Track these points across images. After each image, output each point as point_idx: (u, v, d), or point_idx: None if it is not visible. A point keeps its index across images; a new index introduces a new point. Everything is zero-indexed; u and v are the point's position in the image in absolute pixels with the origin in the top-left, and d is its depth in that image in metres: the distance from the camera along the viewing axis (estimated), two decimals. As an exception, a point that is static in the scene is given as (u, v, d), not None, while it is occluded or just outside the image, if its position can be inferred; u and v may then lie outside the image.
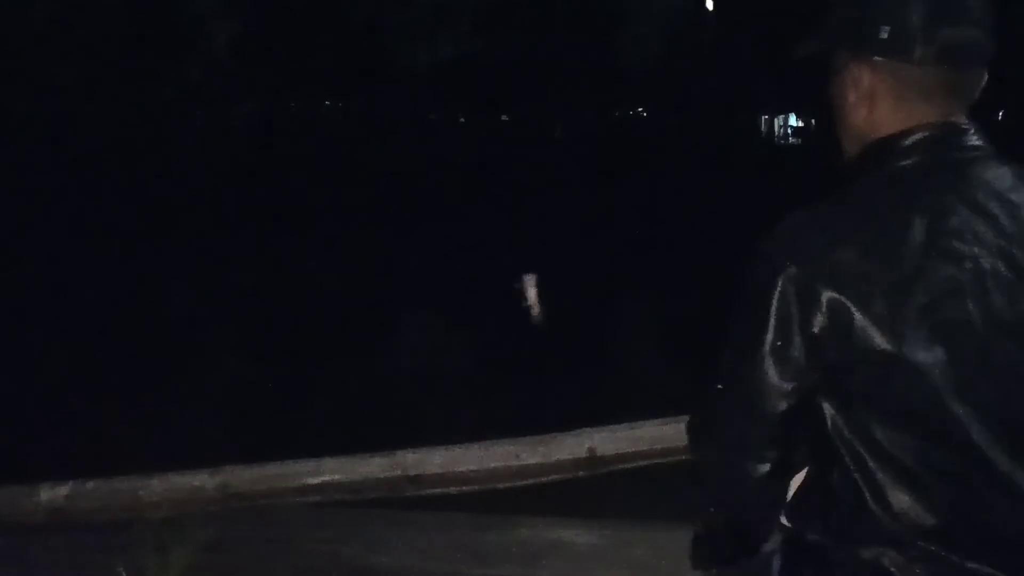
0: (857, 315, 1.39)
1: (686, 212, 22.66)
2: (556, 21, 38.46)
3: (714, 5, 39.24)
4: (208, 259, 17.75)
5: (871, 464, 1.41)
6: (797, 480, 1.53)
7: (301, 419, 7.85)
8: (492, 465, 3.21)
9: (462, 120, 46.10)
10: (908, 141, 1.51)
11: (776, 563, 1.55)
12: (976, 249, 1.43)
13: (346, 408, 8.23)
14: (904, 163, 1.50)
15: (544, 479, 3.21)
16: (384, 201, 26.12)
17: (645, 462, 3.17)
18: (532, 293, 2.54)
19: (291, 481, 3.31)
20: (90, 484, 3.41)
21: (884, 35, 1.50)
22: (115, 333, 11.82)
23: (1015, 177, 1.51)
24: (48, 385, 9.38)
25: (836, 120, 1.62)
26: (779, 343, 1.42)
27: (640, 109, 47.78)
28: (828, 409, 1.43)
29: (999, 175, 1.50)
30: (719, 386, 1.49)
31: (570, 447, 3.18)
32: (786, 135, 53.60)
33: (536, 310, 2.52)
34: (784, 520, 1.55)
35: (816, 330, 1.40)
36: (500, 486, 3.25)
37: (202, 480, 3.35)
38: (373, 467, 3.28)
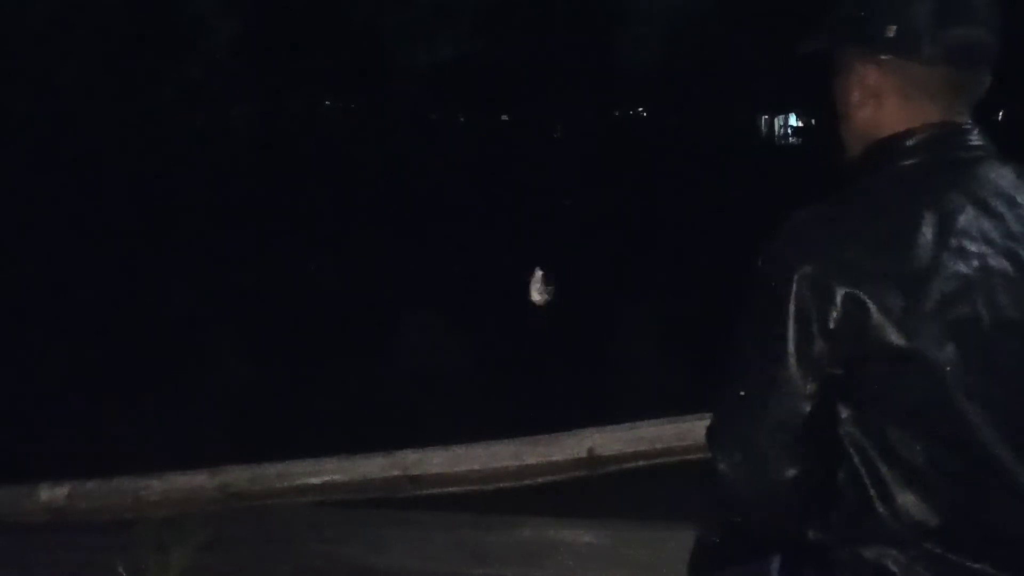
0: (873, 310, 1.38)
1: (686, 212, 22.67)
2: (556, 21, 38.46)
3: (715, 5, 39.25)
4: (208, 259, 17.76)
5: (879, 463, 1.41)
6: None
7: (301, 419, 7.84)
8: (492, 465, 3.20)
9: (462, 120, 46.12)
10: (913, 140, 1.51)
11: (776, 562, 1.55)
12: (983, 248, 1.43)
13: (346, 408, 8.23)
14: (909, 162, 1.50)
15: (544, 479, 3.21)
16: (384, 201, 26.13)
17: (645, 462, 3.16)
18: (546, 287, 2.51)
19: (291, 481, 3.30)
20: (90, 484, 3.41)
21: (891, 33, 1.49)
22: (115, 333, 11.83)
23: (1018, 177, 1.52)
24: (48, 385, 9.39)
25: (840, 119, 1.61)
26: (800, 344, 1.42)
27: (640, 109, 47.81)
28: (839, 408, 1.43)
29: (1002, 175, 1.51)
30: (740, 391, 1.48)
31: (570, 447, 3.17)
32: (786, 135, 53.62)
33: (546, 300, 2.49)
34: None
35: (833, 327, 1.40)
36: (500, 486, 3.25)
37: (202, 480, 3.34)
38: (373, 467, 3.27)
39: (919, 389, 1.39)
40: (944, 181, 1.48)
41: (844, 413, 1.43)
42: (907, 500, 1.40)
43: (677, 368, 9.99)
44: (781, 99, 42.88)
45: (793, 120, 52.08)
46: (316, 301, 14.56)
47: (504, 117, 45.82)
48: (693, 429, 2.99)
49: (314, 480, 3.28)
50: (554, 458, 3.17)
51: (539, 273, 2.51)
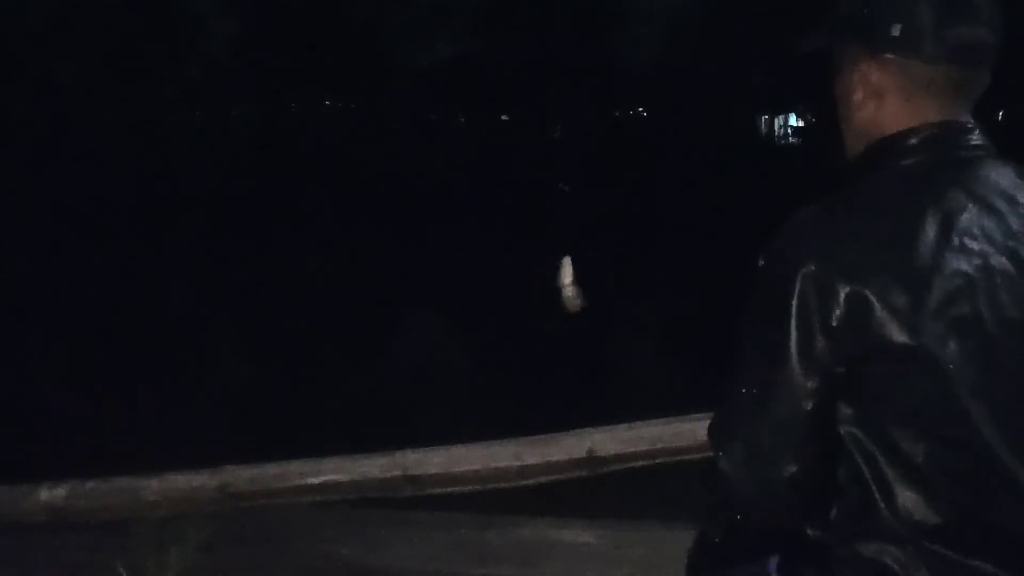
0: (877, 308, 1.38)
1: (686, 212, 22.67)
2: (556, 21, 38.46)
3: (715, 5, 39.25)
4: (208, 259, 17.76)
5: (880, 461, 1.41)
6: None
7: (301, 419, 7.84)
8: (492, 465, 3.20)
9: (462, 120, 46.12)
10: (914, 139, 1.51)
11: (775, 561, 1.55)
12: (985, 246, 1.43)
13: (346, 408, 8.23)
14: (910, 161, 1.51)
15: (544, 479, 3.21)
16: (384, 201, 26.13)
17: (645, 462, 3.16)
18: (568, 279, 2.48)
19: (291, 481, 3.30)
20: (89, 484, 3.41)
21: (896, 32, 1.49)
22: (115, 333, 11.83)
23: (1018, 176, 1.52)
24: (48, 385, 9.39)
25: (841, 117, 1.61)
26: (803, 342, 1.42)
27: (640, 109, 47.81)
28: (841, 407, 1.43)
29: (1003, 174, 1.51)
30: (742, 389, 1.48)
31: (570, 447, 3.17)
32: (786, 135, 53.63)
33: (571, 294, 2.46)
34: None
35: (835, 324, 1.40)
36: (500, 486, 3.25)
37: (202, 480, 3.35)
38: (373, 467, 3.27)
39: (921, 387, 1.39)
40: (945, 180, 1.48)
41: (845, 411, 1.43)
42: (908, 498, 1.40)
43: (677, 368, 9.99)
44: (781, 99, 42.88)
45: (793, 120, 52.06)
46: (316, 301, 14.56)
47: (504, 117, 45.82)
48: (693, 429, 2.99)
49: (314, 480, 3.28)
50: (554, 458, 3.17)
51: (569, 278, 2.48)
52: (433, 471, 3.21)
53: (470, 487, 3.25)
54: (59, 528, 3.59)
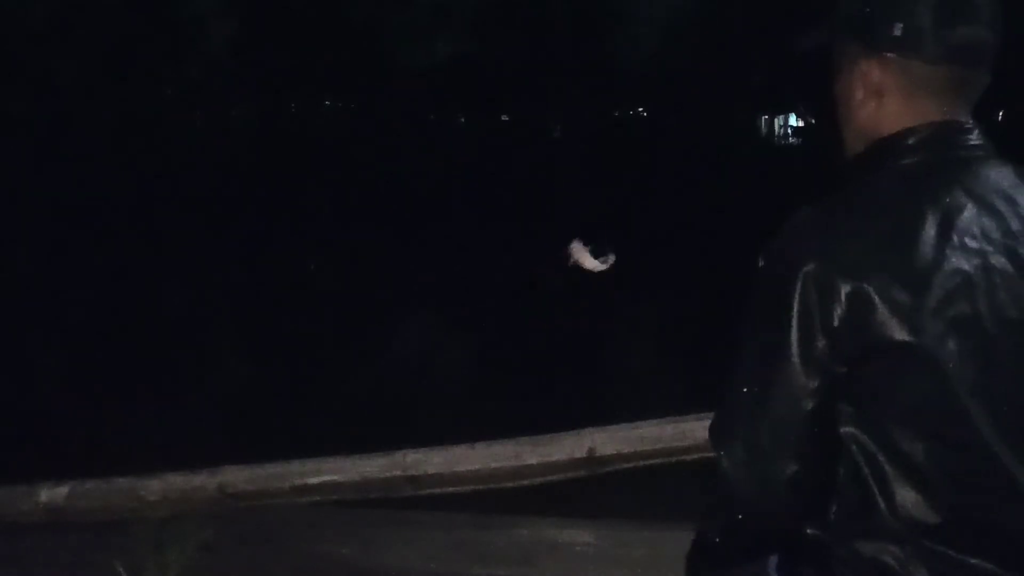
0: (878, 305, 1.39)
1: (686, 212, 22.67)
2: (555, 21, 38.46)
3: (714, 5, 39.26)
4: (208, 259, 17.75)
5: (879, 460, 1.41)
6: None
7: (301, 419, 7.84)
8: (492, 465, 3.20)
9: (462, 120, 46.14)
10: (914, 139, 1.52)
11: (775, 561, 1.55)
12: (984, 245, 1.44)
13: (346, 408, 8.22)
14: (910, 160, 1.51)
15: (544, 479, 3.20)
16: (384, 201, 26.12)
17: (645, 462, 3.16)
18: (588, 258, 2.46)
19: (290, 481, 3.30)
20: (89, 484, 3.41)
21: (896, 32, 1.50)
22: (114, 333, 11.83)
23: (1017, 176, 1.53)
24: (47, 385, 9.39)
25: (841, 116, 1.61)
26: (803, 341, 1.42)
27: (640, 109, 47.83)
28: (841, 406, 1.43)
29: (1002, 174, 1.52)
30: (743, 389, 1.48)
31: (570, 447, 3.17)
32: (786, 135, 53.68)
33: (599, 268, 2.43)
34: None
35: (836, 323, 1.40)
36: (500, 486, 3.25)
37: (201, 480, 3.34)
38: (373, 467, 3.27)
39: (921, 387, 1.39)
40: (945, 179, 1.48)
41: (846, 411, 1.43)
42: (907, 498, 1.40)
43: (677, 368, 9.99)
44: (781, 99, 42.91)
45: (793, 120, 52.13)
46: (316, 301, 14.56)
47: (504, 117, 45.85)
48: (693, 429, 2.99)
49: (313, 480, 3.28)
50: (554, 458, 3.17)
51: (579, 244, 2.46)
52: (433, 471, 3.21)
53: (470, 487, 3.25)
54: (58, 528, 3.59)
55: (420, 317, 13.90)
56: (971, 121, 1.54)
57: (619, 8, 38.38)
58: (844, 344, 1.40)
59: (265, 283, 15.88)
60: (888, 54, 1.52)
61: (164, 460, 3.52)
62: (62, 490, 3.37)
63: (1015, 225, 1.46)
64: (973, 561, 1.40)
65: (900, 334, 1.38)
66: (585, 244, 2.49)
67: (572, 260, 2.49)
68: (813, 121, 42.29)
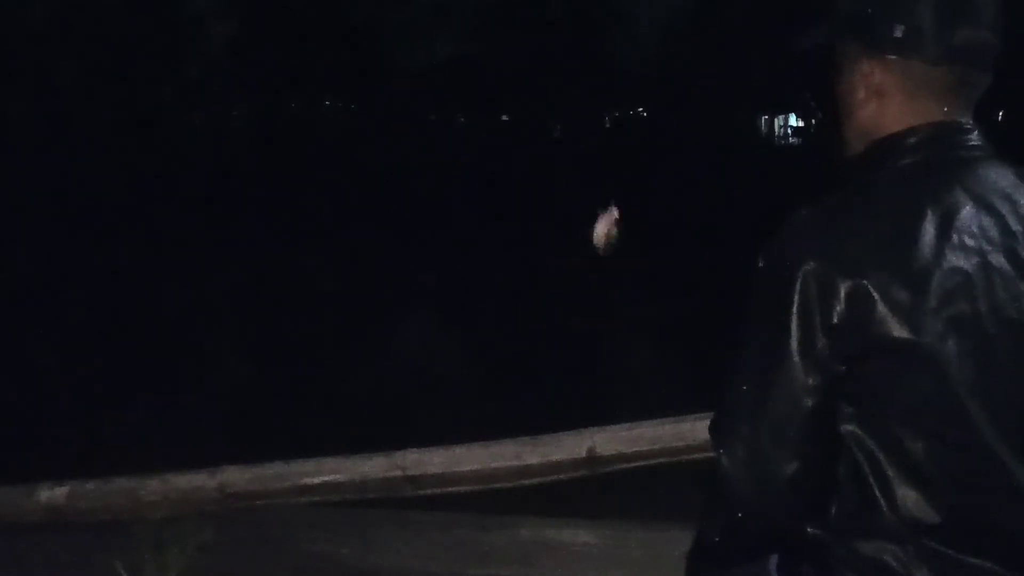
0: (878, 303, 1.39)
1: (686, 212, 22.67)
2: (555, 21, 38.44)
3: (714, 5, 39.25)
4: (207, 258, 17.75)
5: (879, 459, 1.41)
6: None
7: (300, 419, 7.84)
8: (492, 465, 3.20)
9: (462, 120, 46.13)
10: (914, 139, 1.52)
11: (775, 560, 1.55)
12: (983, 245, 1.44)
13: (346, 408, 8.23)
14: (910, 160, 1.51)
15: (544, 479, 3.20)
16: (384, 201, 26.12)
17: (645, 462, 3.15)
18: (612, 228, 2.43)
19: (290, 481, 3.30)
20: (89, 484, 3.41)
21: (898, 33, 1.50)
22: (114, 333, 11.83)
23: (1017, 177, 1.53)
24: (47, 385, 9.39)
25: (841, 115, 1.61)
26: (804, 339, 1.42)
27: (640, 109, 47.82)
28: (841, 405, 1.43)
29: (1002, 175, 1.52)
30: (743, 387, 1.48)
31: (570, 447, 3.17)
32: (786, 135, 53.69)
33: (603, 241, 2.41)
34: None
35: (836, 320, 1.40)
36: (500, 486, 3.24)
37: (201, 480, 3.34)
38: (373, 467, 3.27)
39: (921, 385, 1.40)
40: (945, 179, 1.49)
41: (846, 409, 1.43)
42: (907, 496, 1.40)
43: (677, 368, 9.99)
44: (781, 99, 42.90)
45: (793, 120, 52.14)
46: (315, 301, 14.56)
47: (504, 117, 45.84)
48: (693, 429, 2.99)
49: (313, 480, 3.28)
50: (554, 458, 3.17)
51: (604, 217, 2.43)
52: (433, 471, 3.21)
53: (470, 487, 3.25)
54: (58, 528, 3.59)
55: (420, 317, 13.91)
56: (971, 121, 1.54)
57: (619, 8, 38.36)
58: (844, 342, 1.40)
59: (265, 283, 15.88)
60: (889, 55, 1.52)
61: (164, 460, 3.52)
62: (62, 490, 3.37)
63: (1014, 225, 1.47)
64: (973, 561, 1.40)
65: (900, 332, 1.38)
66: (612, 221, 2.46)
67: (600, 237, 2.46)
68: (813, 121, 42.29)
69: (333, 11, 37.34)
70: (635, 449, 3.13)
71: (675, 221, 21.45)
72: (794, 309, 1.42)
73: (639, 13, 38.15)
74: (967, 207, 1.45)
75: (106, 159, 30.18)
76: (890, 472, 1.40)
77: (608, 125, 44.11)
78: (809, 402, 1.43)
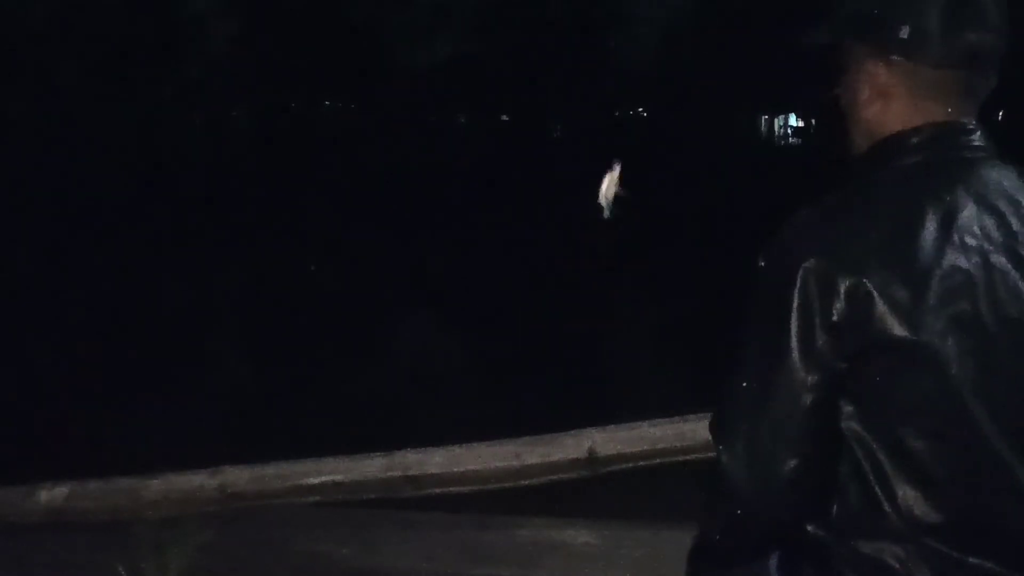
0: (878, 302, 1.39)
1: (686, 212, 22.67)
2: (556, 21, 38.45)
3: (715, 5, 39.25)
4: (208, 259, 17.75)
5: (881, 458, 1.41)
6: None
7: (301, 419, 7.83)
8: (492, 465, 3.20)
9: (462, 120, 46.15)
10: (917, 139, 1.52)
11: (775, 559, 1.55)
12: (984, 244, 1.44)
13: (346, 408, 8.22)
14: (913, 160, 1.51)
15: (544, 479, 3.20)
16: (384, 201, 26.13)
17: (645, 462, 3.15)
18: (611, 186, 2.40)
19: (290, 481, 3.29)
20: (89, 484, 3.41)
21: (904, 35, 1.50)
22: (115, 333, 11.82)
23: (1019, 177, 1.53)
24: (47, 385, 9.38)
25: (845, 114, 1.61)
26: (804, 337, 1.42)
27: (640, 109, 47.84)
28: (842, 403, 1.43)
29: (1004, 175, 1.52)
30: (744, 385, 1.48)
31: (570, 447, 3.17)
32: (786, 135, 53.69)
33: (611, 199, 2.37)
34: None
35: (836, 318, 1.40)
36: (500, 486, 3.24)
37: (201, 480, 3.34)
38: (373, 467, 3.27)
39: (921, 384, 1.40)
40: (947, 179, 1.49)
41: (846, 408, 1.43)
42: (908, 496, 1.40)
43: (677, 368, 9.99)
44: (781, 99, 42.91)
45: (793, 120, 52.15)
46: (316, 301, 14.55)
47: (504, 117, 45.85)
48: (693, 429, 2.99)
49: (313, 480, 3.28)
50: (554, 458, 3.16)
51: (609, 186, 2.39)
52: (433, 471, 3.20)
53: (470, 487, 3.24)
54: (59, 528, 3.58)
55: (420, 317, 13.90)
56: (975, 122, 1.54)
57: (619, 8, 38.38)
58: (844, 340, 1.40)
59: (265, 283, 15.87)
60: (894, 56, 1.52)
61: (164, 460, 3.51)
62: (62, 490, 3.37)
63: (1016, 225, 1.47)
64: (974, 560, 1.40)
65: (900, 331, 1.38)
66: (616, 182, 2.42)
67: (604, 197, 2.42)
68: (813, 121, 42.28)
69: (333, 11, 37.37)
70: (635, 449, 3.13)
71: (675, 221, 21.45)
72: (794, 307, 1.42)
73: (639, 13, 38.17)
74: (969, 207, 1.45)
75: (106, 159, 30.18)
76: (891, 471, 1.40)
77: (608, 125, 44.08)
78: (809, 400, 1.43)
